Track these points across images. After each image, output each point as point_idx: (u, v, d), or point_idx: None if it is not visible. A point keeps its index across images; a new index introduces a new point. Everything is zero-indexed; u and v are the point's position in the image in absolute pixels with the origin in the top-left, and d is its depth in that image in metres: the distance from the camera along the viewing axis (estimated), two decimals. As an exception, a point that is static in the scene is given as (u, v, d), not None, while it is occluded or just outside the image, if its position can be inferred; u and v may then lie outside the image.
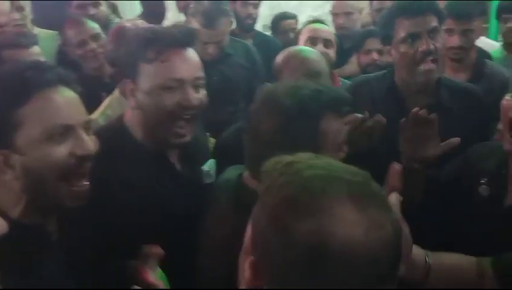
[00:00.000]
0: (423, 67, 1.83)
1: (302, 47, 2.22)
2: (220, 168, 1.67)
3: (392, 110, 1.86)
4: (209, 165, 1.65)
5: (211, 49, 2.64)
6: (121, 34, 2.18)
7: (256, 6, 3.53)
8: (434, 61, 1.82)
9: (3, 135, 1.12)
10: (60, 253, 1.20)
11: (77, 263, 1.22)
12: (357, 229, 0.71)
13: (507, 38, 3.09)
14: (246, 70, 2.94)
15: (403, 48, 1.85)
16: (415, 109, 1.58)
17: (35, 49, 2.31)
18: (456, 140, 1.59)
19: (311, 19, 2.93)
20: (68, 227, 1.24)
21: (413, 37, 1.83)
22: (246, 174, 1.35)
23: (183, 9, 3.54)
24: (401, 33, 1.84)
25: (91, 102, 2.26)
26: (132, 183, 1.42)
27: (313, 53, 1.97)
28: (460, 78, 2.38)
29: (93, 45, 2.55)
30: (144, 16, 3.47)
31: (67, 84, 1.20)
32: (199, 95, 1.46)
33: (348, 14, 3.50)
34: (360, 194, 0.74)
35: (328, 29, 2.67)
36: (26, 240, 1.11)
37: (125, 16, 3.61)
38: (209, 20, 2.57)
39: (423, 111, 1.57)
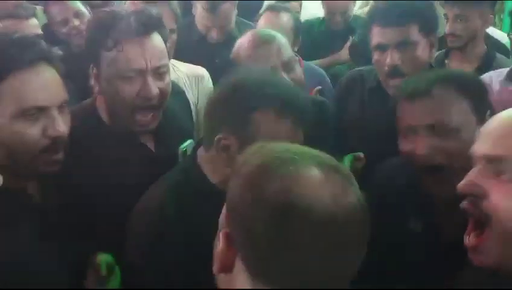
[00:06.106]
0: (390, 82, 1.76)
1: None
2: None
3: (377, 107, 1.82)
4: (187, 145, 1.59)
5: (214, 33, 2.61)
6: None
7: None
8: (402, 76, 1.71)
9: None
10: (40, 213, 1.25)
11: (56, 225, 1.26)
12: (324, 193, 0.74)
13: None
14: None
15: (375, 56, 1.78)
16: None
17: (33, 21, 2.30)
18: None
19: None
20: (49, 193, 1.30)
21: (381, 48, 1.75)
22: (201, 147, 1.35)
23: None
24: (373, 41, 1.78)
25: (79, 78, 2.23)
26: (100, 162, 1.43)
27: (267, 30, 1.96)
28: (465, 68, 2.29)
29: (76, 22, 2.52)
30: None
31: (49, 61, 1.21)
32: (161, 84, 1.42)
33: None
34: (328, 167, 0.78)
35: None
36: (7, 201, 1.17)
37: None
38: (212, 4, 2.52)
39: None
